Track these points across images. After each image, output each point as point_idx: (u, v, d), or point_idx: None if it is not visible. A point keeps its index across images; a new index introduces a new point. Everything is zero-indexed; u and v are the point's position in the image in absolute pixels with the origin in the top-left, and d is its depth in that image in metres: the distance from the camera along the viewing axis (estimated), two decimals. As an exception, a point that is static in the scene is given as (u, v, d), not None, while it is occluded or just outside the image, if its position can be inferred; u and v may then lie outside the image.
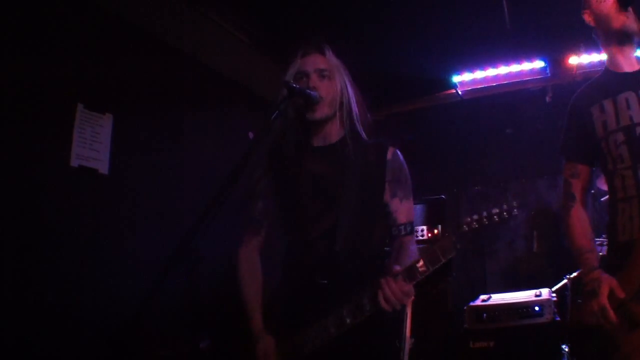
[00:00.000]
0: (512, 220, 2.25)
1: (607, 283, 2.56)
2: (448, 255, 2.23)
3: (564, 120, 2.97)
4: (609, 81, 2.78)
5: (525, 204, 2.23)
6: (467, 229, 2.22)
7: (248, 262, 2.70)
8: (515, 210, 2.21)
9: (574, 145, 2.90)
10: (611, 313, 2.50)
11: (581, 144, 2.85)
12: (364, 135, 2.63)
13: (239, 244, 2.74)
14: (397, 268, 2.27)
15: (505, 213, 2.21)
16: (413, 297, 2.32)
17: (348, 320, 2.32)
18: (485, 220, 2.21)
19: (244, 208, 2.74)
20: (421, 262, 2.24)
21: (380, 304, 2.24)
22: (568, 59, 6.50)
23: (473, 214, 2.24)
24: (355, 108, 2.61)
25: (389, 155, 2.62)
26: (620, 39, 2.73)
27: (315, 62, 2.59)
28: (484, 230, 2.21)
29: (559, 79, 6.75)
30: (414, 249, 2.58)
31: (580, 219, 2.84)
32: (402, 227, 2.60)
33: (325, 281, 2.43)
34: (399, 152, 2.67)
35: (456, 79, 7.03)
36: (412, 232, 2.64)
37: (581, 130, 2.83)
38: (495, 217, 2.21)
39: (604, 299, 2.53)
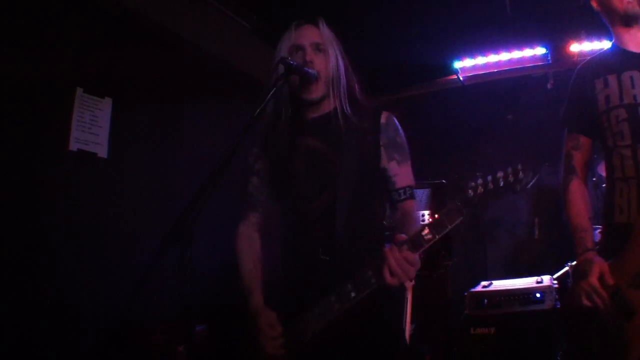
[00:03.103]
0: (519, 185, 2.10)
1: (598, 265, 2.54)
2: (453, 220, 2.12)
3: (566, 91, 2.94)
4: (616, 57, 2.76)
5: (531, 169, 2.08)
6: (472, 193, 2.12)
7: (247, 238, 2.65)
8: (521, 173, 2.09)
9: (577, 117, 2.87)
10: (602, 291, 2.48)
11: (584, 116, 2.82)
12: (351, 109, 2.55)
13: (237, 221, 2.69)
14: (402, 237, 2.18)
15: (511, 176, 2.10)
16: (414, 282, 2.25)
17: (353, 295, 2.24)
18: (490, 184, 2.11)
19: (241, 187, 2.71)
20: (426, 230, 2.13)
21: (386, 279, 2.14)
22: (569, 46, 6.47)
23: (477, 177, 2.13)
24: (344, 80, 2.56)
25: (383, 119, 2.56)
26: (625, 20, 2.71)
27: (310, 35, 2.56)
28: (489, 195, 2.11)
29: (560, 66, 6.72)
30: (417, 215, 2.50)
31: (578, 195, 2.81)
32: (402, 191, 2.50)
33: (327, 258, 2.38)
34: (393, 117, 2.60)
35: (457, 64, 7.00)
36: (413, 196, 2.54)
37: (584, 102, 2.81)
38: (500, 180, 2.10)
39: (594, 279, 2.50)
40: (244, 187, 2.69)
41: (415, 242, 2.15)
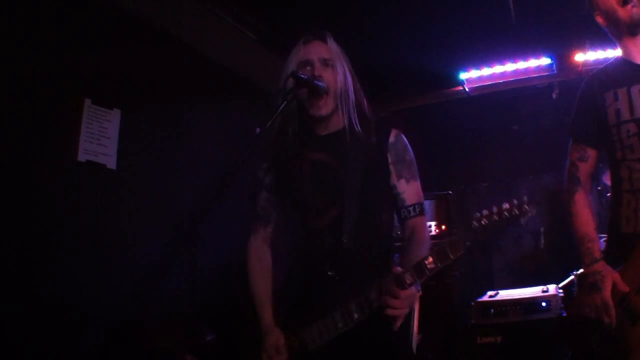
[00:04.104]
0: (523, 217, 2.11)
1: (610, 277, 2.57)
2: (457, 252, 2.15)
3: (574, 102, 2.94)
4: (624, 70, 2.77)
5: (537, 202, 2.07)
6: (476, 225, 2.13)
7: (257, 254, 2.69)
8: (526, 206, 2.10)
9: (585, 128, 2.87)
10: (613, 309, 2.51)
11: (592, 127, 2.83)
12: (360, 125, 2.58)
13: (248, 236, 2.72)
14: (399, 270, 2.22)
15: (516, 209, 2.11)
16: (421, 292, 2.27)
17: (356, 316, 2.28)
18: (495, 216, 2.12)
19: (250, 201, 2.74)
20: (430, 259, 2.17)
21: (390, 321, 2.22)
22: (574, 55, 6.47)
23: (483, 209, 2.14)
24: (352, 96, 2.58)
25: (392, 138, 2.58)
26: (630, 29, 2.73)
27: (318, 51, 2.57)
28: (494, 227, 2.12)
29: (565, 76, 6.73)
30: (426, 234, 2.53)
31: (583, 206, 2.82)
32: (412, 208, 2.54)
33: (334, 273, 2.41)
34: (402, 135, 2.63)
35: (463, 76, 7.01)
36: (423, 212, 2.57)
37: (593, 114, 2.81)
38: (505, 212, 2.11)
39: (608, 294, 2.53)
40: (254, 201, 2.72)
41: (418, 271, 2.20)
